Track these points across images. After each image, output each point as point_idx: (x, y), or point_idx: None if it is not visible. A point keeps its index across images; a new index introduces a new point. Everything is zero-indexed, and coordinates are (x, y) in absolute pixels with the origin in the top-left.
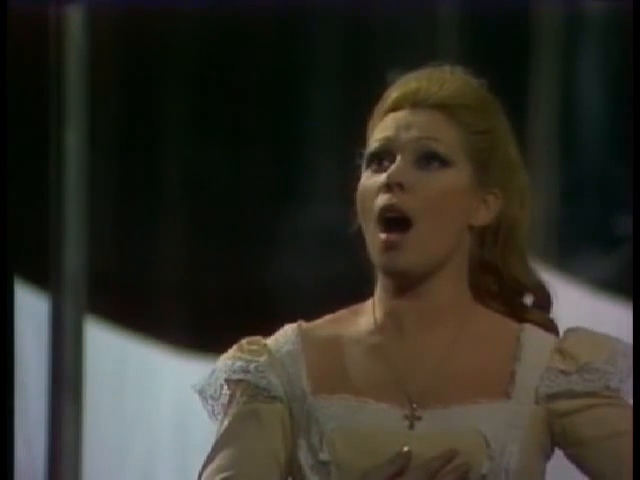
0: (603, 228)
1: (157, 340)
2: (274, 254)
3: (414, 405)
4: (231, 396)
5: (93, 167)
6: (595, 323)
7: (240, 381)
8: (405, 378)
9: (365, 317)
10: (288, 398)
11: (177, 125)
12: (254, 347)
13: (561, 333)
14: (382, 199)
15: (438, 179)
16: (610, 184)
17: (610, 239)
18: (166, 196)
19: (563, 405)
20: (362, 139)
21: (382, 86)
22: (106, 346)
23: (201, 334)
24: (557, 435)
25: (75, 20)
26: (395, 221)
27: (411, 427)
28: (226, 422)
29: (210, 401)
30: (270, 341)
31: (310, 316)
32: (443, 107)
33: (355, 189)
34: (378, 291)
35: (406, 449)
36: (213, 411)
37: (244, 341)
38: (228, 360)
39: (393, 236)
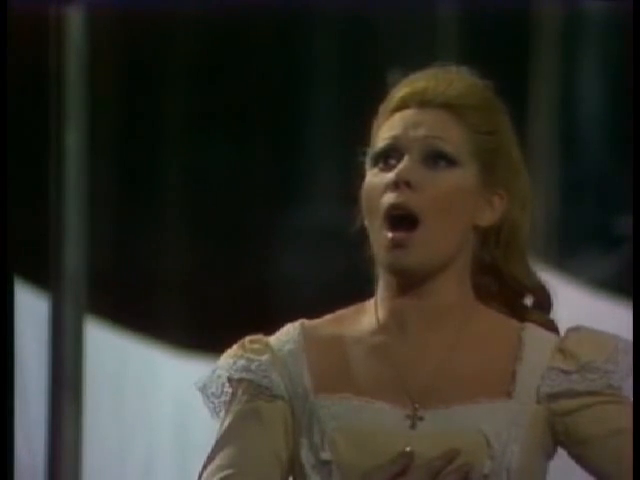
0: (603, 228)
1: (157, 340)
2: (274, 254)
3: (416, 405)
4: (233, 395)
5: (93, 167)
6: (595, 323)
7: (242, 380)
8: (407, 377)
9: (367, 316)
10: (290, 397)
11: (177, 125)
12: (256, 345)
13: (562, 333)
14: (389, 197)
15: (445, 178)
16: (610, 184)
17: (610, 239)
18: (166, 196)
19: (564, 404)
20: (363, 138)
21: (382, 86)
22: (106, 346)
23: (201, 334)
24: (559, 434)
25: (75, 20)
26: (402, 219)
27: (413, 427)
28: (227, 421)
29: (212, 399)
30: (272, 340)
31: (310, 316)
32: (450, 107)
33: (358, 188)
34: (380, 290)
35: (408, 449)
36: (214, 409)
37: (246, 339)
38: (230, 358)
39: (400, 234)
